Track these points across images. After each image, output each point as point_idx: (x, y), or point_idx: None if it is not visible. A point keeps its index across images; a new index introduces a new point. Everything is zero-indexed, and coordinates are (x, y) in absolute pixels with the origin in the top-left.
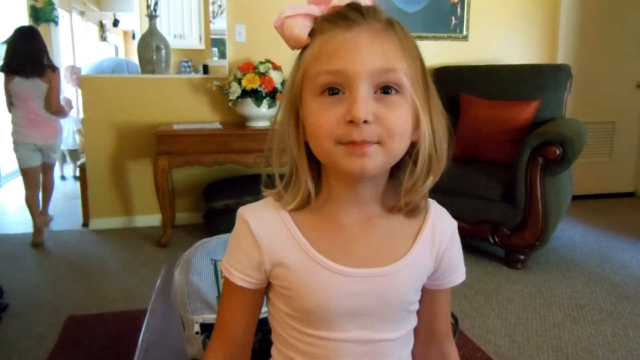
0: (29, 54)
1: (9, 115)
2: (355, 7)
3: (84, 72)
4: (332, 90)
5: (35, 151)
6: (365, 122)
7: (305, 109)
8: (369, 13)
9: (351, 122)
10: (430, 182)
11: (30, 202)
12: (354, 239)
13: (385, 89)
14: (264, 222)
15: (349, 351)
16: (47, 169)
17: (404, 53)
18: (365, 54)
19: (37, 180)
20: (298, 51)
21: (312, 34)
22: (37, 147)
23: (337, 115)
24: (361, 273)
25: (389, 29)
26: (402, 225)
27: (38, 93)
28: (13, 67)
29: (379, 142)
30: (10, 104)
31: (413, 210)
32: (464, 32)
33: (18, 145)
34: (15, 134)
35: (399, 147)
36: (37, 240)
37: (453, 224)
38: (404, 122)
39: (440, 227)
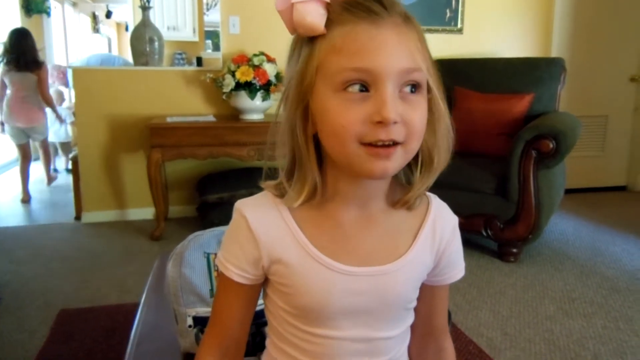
0: (22, 51)
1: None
2: None
3: (71, 70)
4: (361, 87)
5: (19, 132)
6: (394, 122)
7: (321, 103)
8: (389, 4)
9: (380, 122)
10: (436, 175)
11: (21, 171)
12: (355, 236)
13: (408, 87)
14: (262, 218)
15: (347, 349)
16: (41, 143)
17: (423, 50)
18: (393, 53)
19: (26, 154)
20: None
21: (327, 23)
22: (20, 130)
23: (364, 114)
24: (361, 272)
25: (409, 24)
26: (403, 221)
27: (28, 84)
28: (9, 62)
29: (401, 143)
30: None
31: (414, 203)
32: (459, 25)
33: (6, 126)
34: (5, 116)
35: (417, 147)
36: (24, 199)
37: (454, 219)
38: (424, 122)
39: (441, 223)
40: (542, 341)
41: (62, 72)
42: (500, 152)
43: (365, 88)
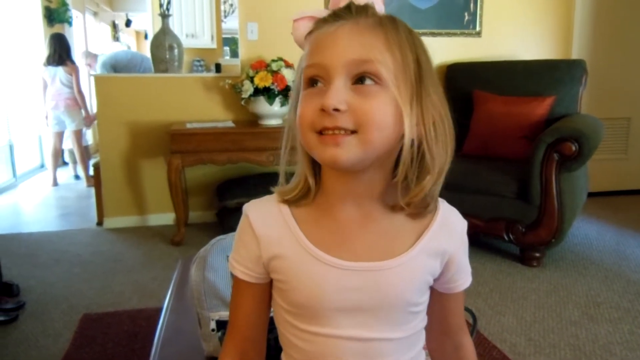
0: (59, 48)
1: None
2: (348, 6)
3: (99, 60)
4: (313, 82)
5: (58, 118)
6: (337, 110)
7: None
8: (358, 10)
9: (323, 110)
10: (428, 181)
11: (52, 159)
12: (352, 233)
13: (361, 79)
14: (263, 216)
15: (344, 349)
16: (74, 137)
17: (388, 46)
18: (342, 46)
19: (56, 144)
20: None
21: (310, 33)
22: (58, 117)
23: (316, 105)
24: (355, 266)
25: (377, 26)
26: (406, 223)
27: (64, 76)
28: (49, 57)
29: (354, 132)
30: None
31: (419, 212)
32: (477, 28)
33: (49, 115)
34: (47, 106)
35: (378, 139)
36: (53, 184)
37: (463, 224)
38: (381, 112)
39: (450, 227)
40: (567, 347)
41: (94, 57)
42: (521, 156)
43: (320, 83)
